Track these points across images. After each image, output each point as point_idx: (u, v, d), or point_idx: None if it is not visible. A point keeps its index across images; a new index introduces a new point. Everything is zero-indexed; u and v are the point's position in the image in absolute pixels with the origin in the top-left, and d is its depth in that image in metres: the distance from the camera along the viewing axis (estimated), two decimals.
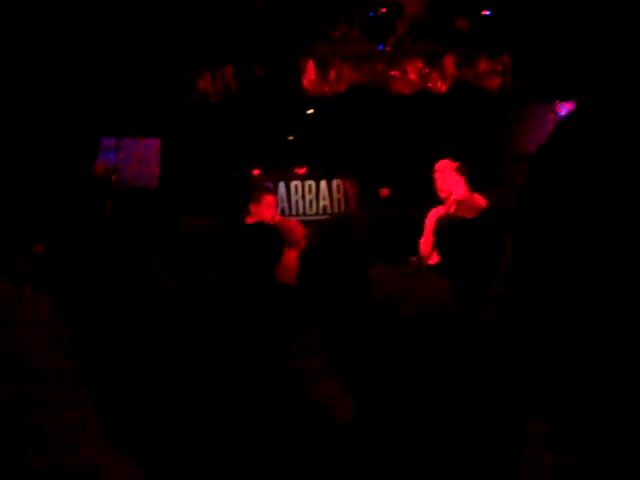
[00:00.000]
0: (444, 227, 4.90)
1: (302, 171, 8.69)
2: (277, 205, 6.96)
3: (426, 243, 5.24)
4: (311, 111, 7.99)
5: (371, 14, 6.15)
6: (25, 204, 5.90)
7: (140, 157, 7.23)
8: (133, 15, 6.32)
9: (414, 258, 4.57)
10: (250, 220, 6.72)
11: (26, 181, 6.07)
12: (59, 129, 6.40)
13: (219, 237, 3.02)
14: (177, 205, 6.73)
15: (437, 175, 6.13)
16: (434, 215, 6.13)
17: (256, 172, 8.60)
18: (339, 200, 8.62)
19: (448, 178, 6.07)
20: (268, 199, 6.78)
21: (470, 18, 6.35)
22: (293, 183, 8.69)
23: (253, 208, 7.06)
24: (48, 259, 5.17)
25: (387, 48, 6.60)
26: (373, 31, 6.49)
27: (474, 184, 6.52)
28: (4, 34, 6.04)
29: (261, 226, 4.31)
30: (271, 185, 8.55)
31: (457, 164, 6.12)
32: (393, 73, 6.79)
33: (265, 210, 6.69)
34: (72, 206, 6.04)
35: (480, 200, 5.89)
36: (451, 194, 6.12)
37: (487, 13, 6.11)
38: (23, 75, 6.22)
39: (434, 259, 5.35)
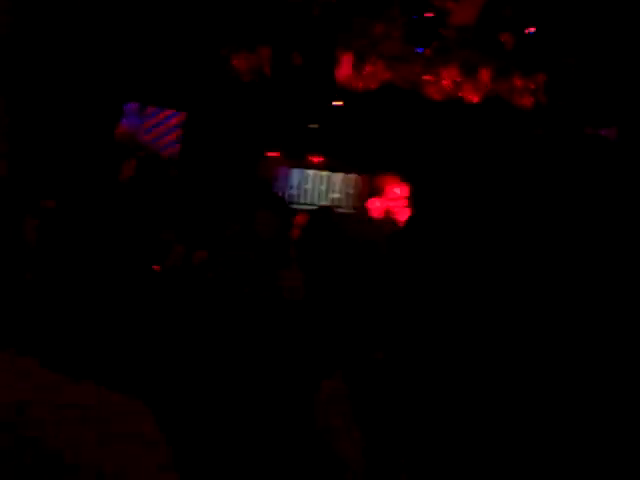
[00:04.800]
0: None
1: (318, 160, 8.61)
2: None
3: None
4: (339, 103, 7.93)
5: (414, 17, 6.10)
6: (43, 160, 5.86)
7: (163, 125, 7.20)
8: None
9: None
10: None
11: (46, 137, 6.03)
12: (85, 89, 6.37)
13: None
14: (195, 177, 6.69)
15: None
16: None
17: (273, 154, 8.52)
18: (351, 195, 8.54)
19: None
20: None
21: (515, 34, 6.30)
22: (308, 171, 8.59)
23: None
24: (57, 215, 5.14)
25: (426, 52, 6.55)
26: (415, 33, 6.45)
27: None
28: None
29: None
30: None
31: None
32: (427, 77, 6.75)
33: None
34: (91, 165, 6.00)
35: None
36: None
37: (531, 31, 6.07)
38: (55, 34, 6.19)
39: None
